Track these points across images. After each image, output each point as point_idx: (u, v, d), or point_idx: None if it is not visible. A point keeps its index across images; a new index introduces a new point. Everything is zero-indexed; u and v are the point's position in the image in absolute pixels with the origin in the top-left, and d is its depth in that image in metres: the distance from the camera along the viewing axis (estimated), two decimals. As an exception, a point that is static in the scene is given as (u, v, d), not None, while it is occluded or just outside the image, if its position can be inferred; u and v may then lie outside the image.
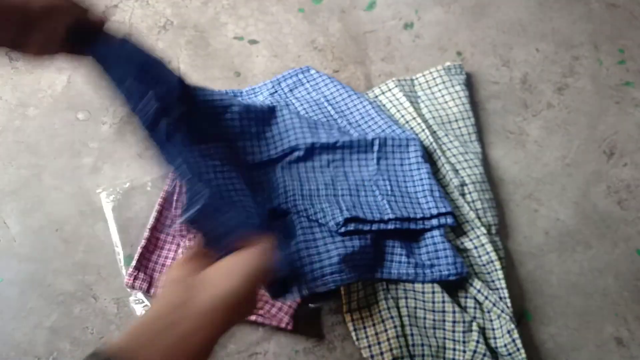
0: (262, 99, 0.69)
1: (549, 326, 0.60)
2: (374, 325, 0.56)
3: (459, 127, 0.70)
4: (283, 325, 0.57)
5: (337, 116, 0.67)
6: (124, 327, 0.57)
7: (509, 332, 0.55)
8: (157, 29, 0.77)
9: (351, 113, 0.68)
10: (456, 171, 0.65)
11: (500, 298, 0.58)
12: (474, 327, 0.56)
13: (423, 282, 0.57)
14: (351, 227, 0.56)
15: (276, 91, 0.70)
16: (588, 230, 0.66)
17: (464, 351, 0.54)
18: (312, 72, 0.72)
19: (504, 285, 0.59)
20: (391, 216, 0.57)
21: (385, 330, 0.55)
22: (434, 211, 0.59)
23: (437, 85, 0.72)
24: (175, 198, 0.63)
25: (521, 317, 0.60)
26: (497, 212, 0.65)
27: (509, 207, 0.67)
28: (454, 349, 0.55)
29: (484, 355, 0.54)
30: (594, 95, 0.76)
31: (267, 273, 0.40)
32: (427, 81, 0.73)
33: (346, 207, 0.57)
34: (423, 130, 0.67)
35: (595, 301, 0.62)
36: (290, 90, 0.70)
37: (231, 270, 0.38)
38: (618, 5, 0.84)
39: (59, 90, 0.71)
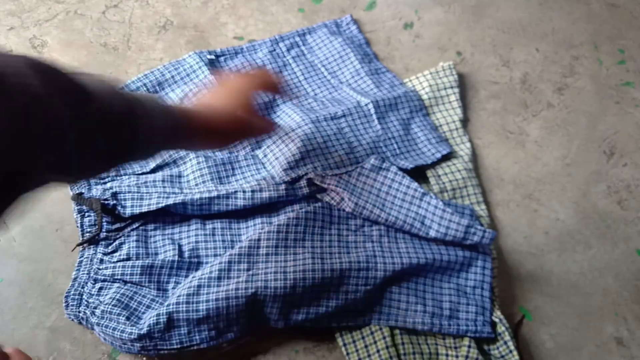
0: (261, 55, 0.74)
1: (549, 326, 0.60)
2: (363, 338, 0.55)
3: (444, 132, 0.69)
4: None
5: (330, 77, 0.73)
6: (124, 327, 0.57)
7: (499, 334, 0.55)
8: (157, 29, 0.77)
9: (342, 73, 0.73)
10: (438, 176, 0.65)
11: (490, 300, 0.57)
12: None
13: (440, 332, 0.55)
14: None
15: (274, 49, 0.75)
16: (588, 230, 0.66)
17: (457, 356, 0.54)
18: (307, 36, 0.77)
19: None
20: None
21: (375, 342, 0.54)
22: (438, 155, 0.65)
23: (423, 89, 0.71)
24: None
25: (521, 317, 0.60)
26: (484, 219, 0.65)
27: (509, 207, 0.67)
28: (447, 355, 0.54)
29: (477, 359, 0.54)
30: (594, 95, 0.76)
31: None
32: (414, 87, 0.72)
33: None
34: None
35: (595, 301, 0.62)
36: (288, 50, 0.75)
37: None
38: (618, 5, 0.84)
39: (59, 90, 0.71)
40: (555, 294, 0.62)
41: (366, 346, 0.55)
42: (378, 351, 0.54)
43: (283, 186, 0.60)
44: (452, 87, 0.71)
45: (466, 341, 0.55)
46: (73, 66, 0.72)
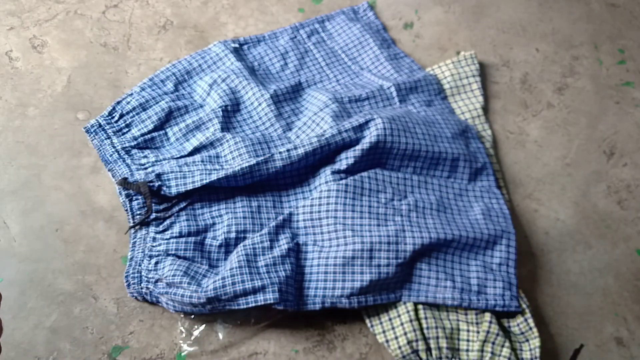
0: (283, 42, 0.75)
1: (549, 326, 0.60)
2: (387, 311, 0.57)
3: (466, 119, 0.71)
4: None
5: (350, 63, 0.75)
6: (124, 327, 0.57)
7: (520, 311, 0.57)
8: (157, 29, 0.77)
9: (362, 59, 0.75)
10: None
11: (516, 277, 0.59)
12: None
13: (469, 307, 0.56)
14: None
15: (295, 37, 0.76)
16: (588, 230, 0.66)
17: (478, 332, 0.55)
18: (326, 23, 0.78)
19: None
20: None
21: (399, 316, 0.56)
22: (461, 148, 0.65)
23: (445, 77, 0.73)
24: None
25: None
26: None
27: (509, 207, 0.67)
28: (468, 330, 0.56)
29: (497, 334, 0.54)
30: (594, 95, 0.76)
31: None
32: (436, 75, 0.74)
33: None
34: None
35: (595, 301, 0.62)
36: (308, 37, 0.76)
37: None
38: (618, 5, 0.84)
39: (59, 90, 0.71)
40: (555, 294, 0.62)
41: (390, 319, 0.56)
42: (402, 324, 0.55)
43: (315, 139, 0.61)
44: (474, 76, 0.73)
45: (487, 317, 0.56)
46: (73, 66, 0.72)
